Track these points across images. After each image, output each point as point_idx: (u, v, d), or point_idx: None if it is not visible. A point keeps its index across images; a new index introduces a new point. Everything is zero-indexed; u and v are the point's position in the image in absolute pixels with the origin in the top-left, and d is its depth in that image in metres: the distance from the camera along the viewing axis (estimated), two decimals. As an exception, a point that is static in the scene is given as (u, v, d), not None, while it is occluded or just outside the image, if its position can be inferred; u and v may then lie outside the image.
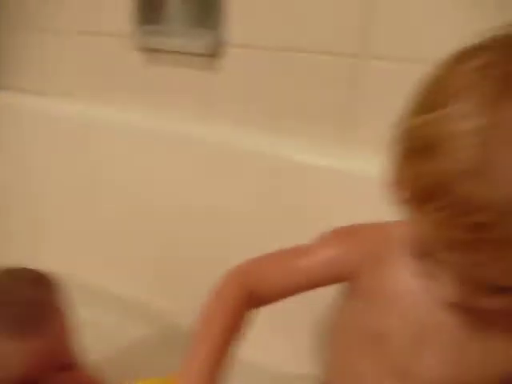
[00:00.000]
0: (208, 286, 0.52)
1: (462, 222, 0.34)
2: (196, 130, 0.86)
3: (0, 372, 0.55)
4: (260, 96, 0.81)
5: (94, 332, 0.69)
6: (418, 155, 0.36)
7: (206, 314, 0.51)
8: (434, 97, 0.37)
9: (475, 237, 0.34)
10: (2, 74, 1.08)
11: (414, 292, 0.46)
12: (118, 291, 0.95)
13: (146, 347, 0.86)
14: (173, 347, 0.75)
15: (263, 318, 0.55)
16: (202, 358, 0.48)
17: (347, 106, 0.74)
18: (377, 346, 0.50)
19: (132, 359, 0.82)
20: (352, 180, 0.71)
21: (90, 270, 0.98)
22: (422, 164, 0.36)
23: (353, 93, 0.74)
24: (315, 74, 0.76)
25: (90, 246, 1.00)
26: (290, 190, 0.76)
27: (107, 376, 0.72)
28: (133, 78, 0.92)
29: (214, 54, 0.82)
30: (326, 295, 0.56)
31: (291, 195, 0.76)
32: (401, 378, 0.50)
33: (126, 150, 0.92)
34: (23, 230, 1.07)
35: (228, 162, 0.82)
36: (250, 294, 0.52)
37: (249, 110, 0.83)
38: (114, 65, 0.94)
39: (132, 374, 0.75)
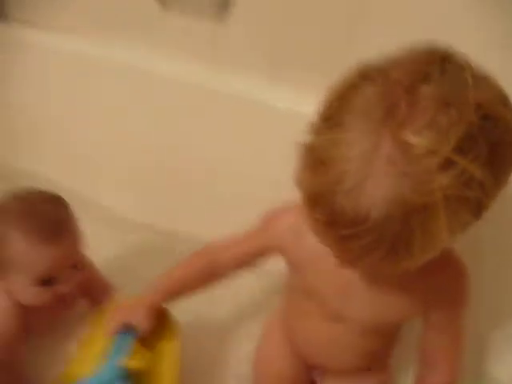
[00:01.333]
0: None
1: (332, 231, 0.45)
2: (200, 77, 0.95)
3: (30, 269, 0.68)
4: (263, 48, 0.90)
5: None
6: (312, 167, 0.46)
7: (172, 267, 0.72)
8: (333, 113, 0.45)
9: (341, 245, 0.46)
10: (11, 6, 1.16)
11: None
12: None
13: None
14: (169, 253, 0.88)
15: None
16: (156, 288, 0.71)
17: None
18: (314, 298, 0.65)
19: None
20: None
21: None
22: (314, 176, 0.45)
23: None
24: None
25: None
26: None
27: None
28: (145, 21, 0.99)
29: (224, 3, 0.90)
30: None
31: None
32: (338, 319, 0.65)
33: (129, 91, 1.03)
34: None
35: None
36: (209, 261, 0.71)
37: (252, 60, 0.92)
38: (127, 6, 1.01)
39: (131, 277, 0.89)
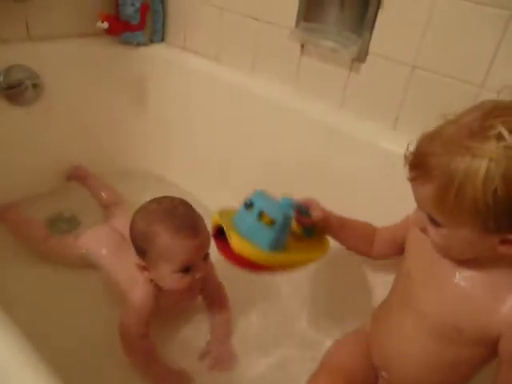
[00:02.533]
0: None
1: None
2: (328, 118, 1.05)
3: (175, 259, 0.82)
4: (389, 100, 0.99)
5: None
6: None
7: None
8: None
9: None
10: (170, 33, 1.35)
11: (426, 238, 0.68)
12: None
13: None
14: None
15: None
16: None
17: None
18: (407, 285, 0.75)
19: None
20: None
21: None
22: None
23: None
24: (439, 94, 0.92)
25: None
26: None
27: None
28: (286, 62, 1.13)
29: (357, 58, 1.01)
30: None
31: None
32: (419, 314, 0.72)
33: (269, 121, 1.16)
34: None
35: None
36: (371, 230, 0.88)
37: (378, 109, 1.01)
38: (273, 48, 1.15)
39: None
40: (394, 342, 0.78)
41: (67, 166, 1.31)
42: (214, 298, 0.99)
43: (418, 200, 0.65)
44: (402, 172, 0.69)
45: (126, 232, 0.89)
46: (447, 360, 0.72)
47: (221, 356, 0.93)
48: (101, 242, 1.04)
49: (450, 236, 0.63)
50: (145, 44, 1.34)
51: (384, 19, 0.95)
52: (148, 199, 0.88)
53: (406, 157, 0.65)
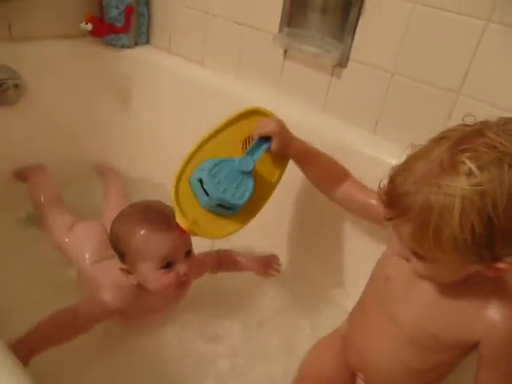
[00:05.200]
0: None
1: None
2: (311, 122, 1.07)
3: (153, 253, 0.82)
4: (369, 105, 1.01)
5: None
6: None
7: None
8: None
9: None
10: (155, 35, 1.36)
11: None
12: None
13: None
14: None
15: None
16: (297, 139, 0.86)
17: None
18: (382, 287, 0.76)
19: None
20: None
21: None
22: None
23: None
24: (417, 100, 0.94)
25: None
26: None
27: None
28: (269, 67, 1.15)
29: (339, 64, 1.03)
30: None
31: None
32: (393, 320, 0.74)
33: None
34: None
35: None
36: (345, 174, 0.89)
37: (359, 113, 1.03)
38: (257, 53, 1.16)
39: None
40: (371, 346, 0.78)
41: (48, 165, 1.29)
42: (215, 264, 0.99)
43: (398, 237, 0.64)
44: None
45: None
46: (424, 364, 0.73)
47: (262, 264, 1.00)
48: (87, 244, 1.03)
49: (434, 268, 0.63)
50: (129, 46, 1.34)
51: (365, 26, 0.97)
52: (133, 200, 0.89)
53: (380, 195, 0.64)
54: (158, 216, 0.83)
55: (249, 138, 0.84)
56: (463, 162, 0.55)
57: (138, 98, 1.38)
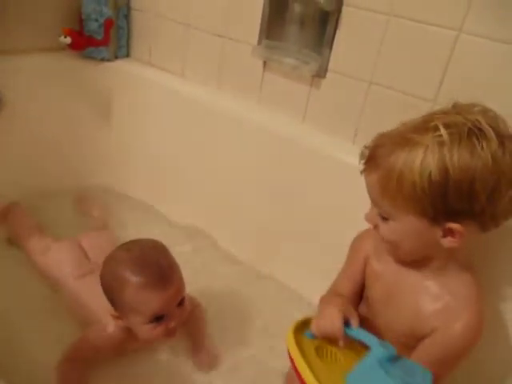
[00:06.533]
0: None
1: None
2: (291, 132, 1.08)
3: (145, 310, 0.79)
4: (348, 115, 1.03)
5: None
6: None
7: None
8: None
9: None
10: (135, 48, 1.37)
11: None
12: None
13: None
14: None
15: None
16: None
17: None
18: (367, 303, 0.80)
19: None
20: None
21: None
22: None
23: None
24: (395, 109, 0.96)
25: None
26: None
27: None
28: (249, 78, 1.16)
29: (317, 74, 1.04)
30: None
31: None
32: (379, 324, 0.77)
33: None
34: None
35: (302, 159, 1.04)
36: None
37: (338, 123, 1.05)
38: (237, 64, 1.18)
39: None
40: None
41: (29, 181, 1.28)
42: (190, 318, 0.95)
43: (368, 191, 0.70)
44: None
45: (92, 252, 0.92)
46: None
47: (201, 359, 0.93)
48: (67, 261, 1.02)
49: (398, 229, 0.69)
50: (109, 59, 1.34)
51: (342, 38, 0.99)
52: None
53: (361, 153, 0.72)
54: (153, 270, 0.79)
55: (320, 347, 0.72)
56: (433, 121, 0.64)
57: (119, 111, 1.37)
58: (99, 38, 1.29)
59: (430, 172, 0.61)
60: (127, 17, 1.34)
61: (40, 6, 1.25)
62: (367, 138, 0.99)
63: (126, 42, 1.36)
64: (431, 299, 0.72)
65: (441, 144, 0.61)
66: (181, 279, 0.83)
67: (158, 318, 0.80)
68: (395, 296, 0.76)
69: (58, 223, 1.20)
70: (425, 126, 0.64)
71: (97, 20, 1.27)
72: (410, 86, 0.93)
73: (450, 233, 0.65)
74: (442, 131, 0.62)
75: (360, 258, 0.82)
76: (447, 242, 0.66)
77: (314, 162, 1.01)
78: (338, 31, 0.99)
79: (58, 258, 1.03)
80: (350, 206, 0.86)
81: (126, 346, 0.88)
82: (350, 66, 1.00)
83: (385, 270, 0.78)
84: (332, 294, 0.81)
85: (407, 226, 0.67)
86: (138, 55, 1.37)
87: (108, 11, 1.27)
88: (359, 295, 0.83)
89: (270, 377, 0.92)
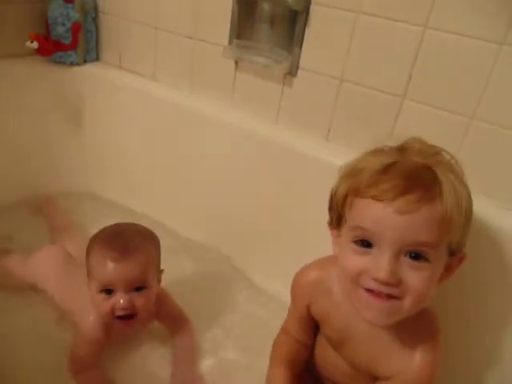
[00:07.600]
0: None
1: None
2: (265, 131, 1.09)
3: (97, 276, 0.82)
4: (321, 112, 1.04)
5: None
6: None
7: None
8: None
9: None
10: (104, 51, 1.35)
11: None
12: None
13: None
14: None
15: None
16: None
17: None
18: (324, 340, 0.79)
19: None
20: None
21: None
22: None
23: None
24: (366, 105, 0.97)
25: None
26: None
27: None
28: (221, 79, 1.16)
29: (289, 73, 1.05)
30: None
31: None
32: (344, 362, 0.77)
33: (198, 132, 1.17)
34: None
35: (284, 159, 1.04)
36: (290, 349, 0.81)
37: (311, 120, 1.05)
38: (208, 65, 1.17)
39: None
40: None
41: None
42: (173, 325, 0.95)
43: (402, 233, 0.58)
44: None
45: (77, 255, 0.91)
46: None
47: (184, 381, 0.88)
48: (50, 266, 1.00)
49: (433, 273, 0.59)
50: (78, 64, 1.32)
51: (311, 36, 1.00)
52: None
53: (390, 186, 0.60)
54: (118, 242, 0.82)
55: None
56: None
57: (90, 115, 1.35)
58: (67, 42, 1.27)
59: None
60: (95, 20, 1.32)
61: (5, 10, 1.22)
62: (340, 135, 1.03)
63: (95, 46, 1.34)
64: (388, 344, 0.69)
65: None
66: (143, 266, 0.82)
67: (108, 291, 0.81)
68: (348, 341, 0.74)
69: (28, 233, 1.18)
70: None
71: (64, 24, 1.25)
72: (380, 82, 0.95)
73: (448, 268, 0.62)
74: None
75: (301, 306, 0.79)
76: (444, 278, 0.63)
77: (289, 159, 1.01)
78: (307, 29, 1.00)
79: (40, 264, 1.01)
80: (325, 202, 0.87)
81: (112, 337, 0.88)
82: (320, 64, 1.01)
83: (335, 313, 0.74)
84: (283, 333, 0.83)
85: (439, 267, 0.60)
86: (108, 59, 1.36)
87: (75, 15, 1.25)
88: (312, 330, 0.82)
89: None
